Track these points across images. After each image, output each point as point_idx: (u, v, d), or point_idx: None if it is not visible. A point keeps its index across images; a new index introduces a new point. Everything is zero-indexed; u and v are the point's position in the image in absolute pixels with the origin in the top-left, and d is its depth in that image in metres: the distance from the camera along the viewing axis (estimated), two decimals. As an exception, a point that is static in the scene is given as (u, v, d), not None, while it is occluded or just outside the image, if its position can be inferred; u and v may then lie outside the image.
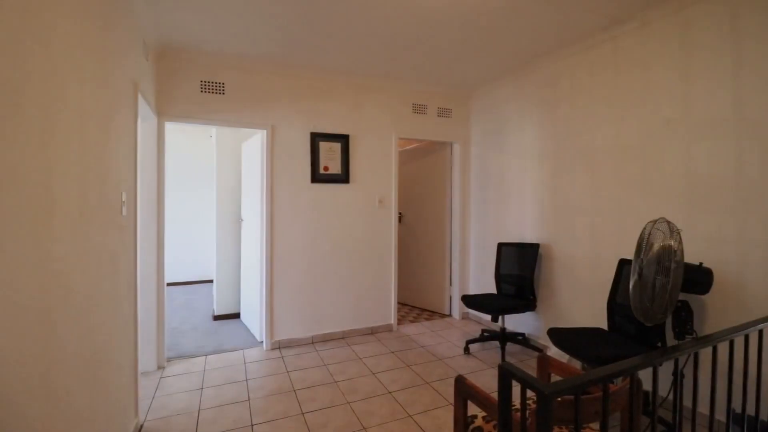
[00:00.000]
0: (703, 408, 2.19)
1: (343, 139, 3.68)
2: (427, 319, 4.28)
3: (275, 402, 2.51)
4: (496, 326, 3.81)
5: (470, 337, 3.64)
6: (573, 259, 3.09)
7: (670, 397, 2.33)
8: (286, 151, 3.47)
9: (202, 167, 6.16)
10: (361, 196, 3.79)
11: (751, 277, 2.05)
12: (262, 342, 3.49)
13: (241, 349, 3.40)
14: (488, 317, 3.95)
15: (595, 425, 2.09)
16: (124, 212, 2.03)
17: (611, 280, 2.62)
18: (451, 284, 4.39)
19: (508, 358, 3.19)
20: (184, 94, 3.14)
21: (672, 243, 1.58)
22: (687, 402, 2.21)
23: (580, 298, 3.04)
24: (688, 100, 2.32)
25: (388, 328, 3.90)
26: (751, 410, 1.92)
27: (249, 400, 2.54)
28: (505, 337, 3.23)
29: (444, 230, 4.42)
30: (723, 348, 2.04)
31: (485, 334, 3.47)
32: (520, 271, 3.40)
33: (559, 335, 2.38)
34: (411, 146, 4.90)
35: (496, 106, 3.94)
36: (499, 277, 3.58)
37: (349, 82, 3.70)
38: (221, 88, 3.25)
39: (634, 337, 2.31)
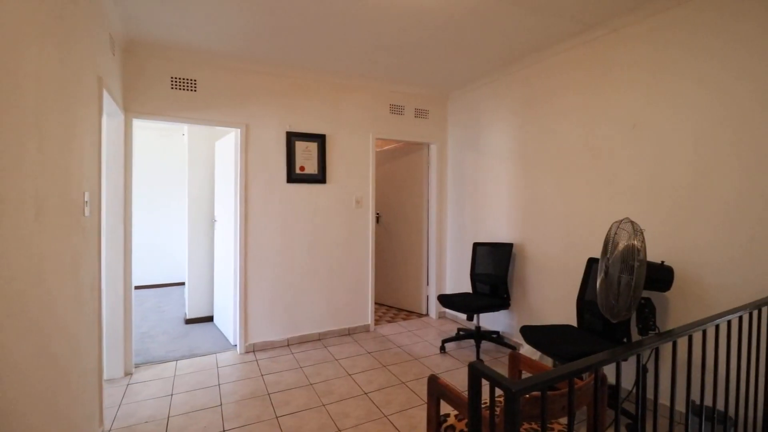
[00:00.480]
0: (666, 400, 2.29)
1: (320, 139, 3.65)
2: (404, 319, 4.30)
3: (248, 406, 2.45)
4: (471, 325, 3.86)
5: (446, 336, 3.68)
6: (545, 258, 3.17)
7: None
8: (261, 151, 3.41)
9: (174, 166, 5.98)
10: (338, 197, 3.77)
11: (710, 275, 2.15)
12: (235, 345, 3.42)
13: (214, 354, 3.31)
14: (464, 316, 4.00)
15: (564, 420, 2.14)
16: (87, 213, 1.95)
17: (581, 279, 2.70)
18: (428, 284, 4.43)
19: (483, 356, 3.24)
20: (154, 91, 3.03)
21: (636, 242, 1.64)
22: (652, 395, 2.31)
23: (551, 296, 3.12)
24: (654, 105, 2.42)
25: (365, 329, 3.89)
26: (709, 401, 2.02)
27: (221, 405, 2.48)
28: (479, 335, 3.28)
29: (421, 230, 4.45)
30: (683, 343, 2.14)
31: (461, 332, 3.51)
32: (494, 271, 3.46)
33: (530, 333, 2.43)
34: (389, 147, 4.91)
35: (472, 108, 4.00)
36: (474, 277, 3.63)
37: (326, 81, 3.67)
38: (193, 85, 3.17)
39: (601, 334, 2.39)
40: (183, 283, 5.85)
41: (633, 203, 2.53)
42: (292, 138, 3.52)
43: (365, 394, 2.61)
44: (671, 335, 1.44)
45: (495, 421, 1.00)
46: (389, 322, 4.21)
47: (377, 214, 4.98)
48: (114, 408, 2.46)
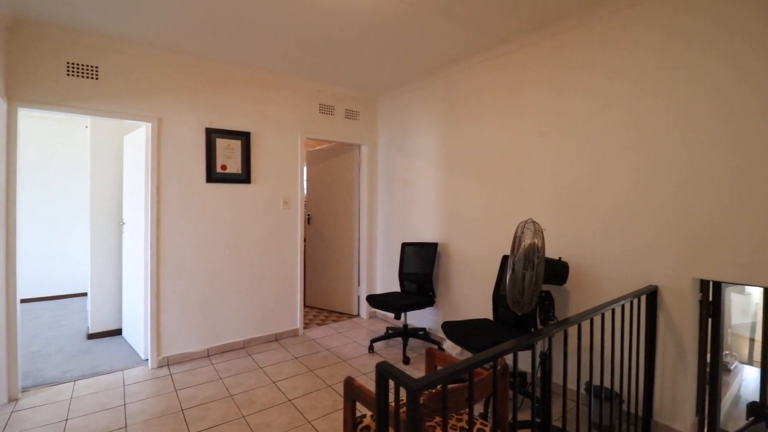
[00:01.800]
0: (571, 383, 2.52)
1: (244, 137, 3.48)
2: (335, 321, 4.26)
3: (158, 426, 2.26)
4: (400, 323, 3.94)
5: (376, 336, 3.71)
6: (466, 256, 3.34)
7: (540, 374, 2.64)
8: (177, 147, 3.17)
9: (75, 161, 5.33)
10: (264, 197, 3.63)
11: (602, 268, 2.42)
12: (147, 360, 3.13)
13: (121, 370, 3.00)
14: (393, 315, 4.06)
15: (478, 409, 2.27)
16: (-53, 216, 1.65)
17: (497, 275, 2.89)
18: (359, 284, 4.44)
19: (409, 353, 3.32)
20: (45, 77, 2.67)
21: (536, 241, 1.79)
22: (557, 378, 2.54)
23: (472, 292, 3.29)
24: (557, 115, 2.66)
25: (293, 333, 3.79)
26: (598, 380, 2.26)
27: (126, 426, 2.25)
28: (407, 333, 3.36)
29: (353, 231, 4.45)
30: (574, 330, 2.37)
31: (390, 331, 3.57)
32: (421, 270, 3.57)
33: (450, 328, 2.54)
34: (320, 147, 4.85)
35: (401, 111, 4.09)
36: (402, 276, 3.71)
37: (251, 77, 3.51)
38: (94, 73, 2.84)
39: (514, 325, 2.57)
40: (85, 294, 5.23)
41: (540, 205, 2.76)
42: (212, 135, 3.31)
43: (289, 401, 2.54)
44: (565, 324, 1.60)
45: (399, 419, 1.02)
46: (319, 325, 4.14)
47: (308, 215, 4.88)
48: (-11, 442, 2.12)
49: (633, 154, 2.27)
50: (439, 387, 1.10)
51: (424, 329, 3.65)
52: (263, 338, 3.61)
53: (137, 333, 3.31)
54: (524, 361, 2.80)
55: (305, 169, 4.91)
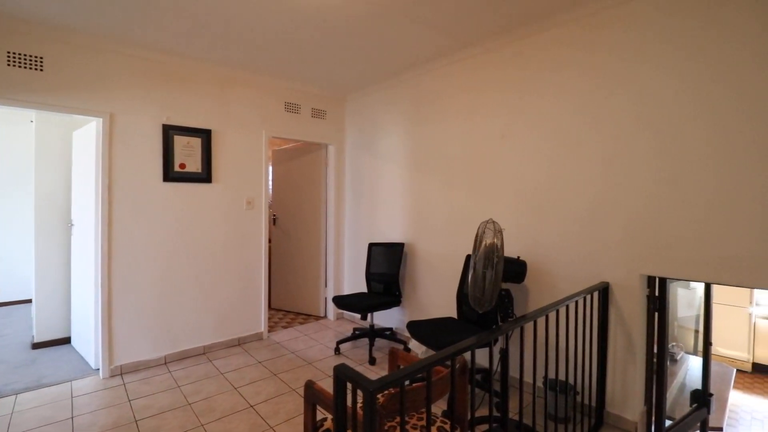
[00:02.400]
0: (526, 376, 2.60)
1: (205, 135, 3.36)
2: (301, 323, 4.19)
3: (108, 438, 2.14)
4: (366, 324, 3.93)
5: (342, 338, 3.69)
6: (432, 256, 3.38)
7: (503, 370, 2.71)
8: (131, 144, 3.01)
9: (18, 158, 4.95)
10: (227, 197, 3.51)
11: (557, 267, 2.52)
12: (98, 369, 2.95)
13: (69, 381, 2.81)
14: (360, 316, 4.05)
15: (434, 408, 2.30)
16: None
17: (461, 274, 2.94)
18: (326, 286, 4.39)
19: (376, 353, 3.32)
20: (-20, 66, 2.47)
21: (496, 240, 1.83)
22: (515, 373, 2.61)
23: (438, 291, 3.34)
24: (517, 118, 2.74)
25: (257, 337, 3.70)
26: (553, 373, 2.35)
27: (72, 441, 2.12)
28: (373, 333, 3.36)
29: (320, 232, 4.40)
30: (531, 326, 2.45)
31: (356, 332, 3.56)
32: (387, 270, 3.58)
33: (415, 327, 2.56)
34: (287, 146, 4.76)
35: (368, 112, 4.08)
36: (369, 276, 3.71)
37: (212, 72, 3.39)
38: (38, 64, 2.65)
39: (476, 323, 2.63)
40: (29, 300, 4.87)
41: (502, 205, 2.83)
42: (169, 132, 3.17)
43: (251, 407, 2.47)
44: (522, 320, 1.65)
45: (357, 421, 1.02)
46: (285, 327, 4.07)
47: (274, 215, 4.78)
48: None
49: (590, 157, 2.37)
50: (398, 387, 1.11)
51: (390, 329, 3.66)
52: (225, 343, 3.49)
53: (87, 341, 3.12)
54: (485, 358, 2.87)
55: (270, 168, 4.82)
